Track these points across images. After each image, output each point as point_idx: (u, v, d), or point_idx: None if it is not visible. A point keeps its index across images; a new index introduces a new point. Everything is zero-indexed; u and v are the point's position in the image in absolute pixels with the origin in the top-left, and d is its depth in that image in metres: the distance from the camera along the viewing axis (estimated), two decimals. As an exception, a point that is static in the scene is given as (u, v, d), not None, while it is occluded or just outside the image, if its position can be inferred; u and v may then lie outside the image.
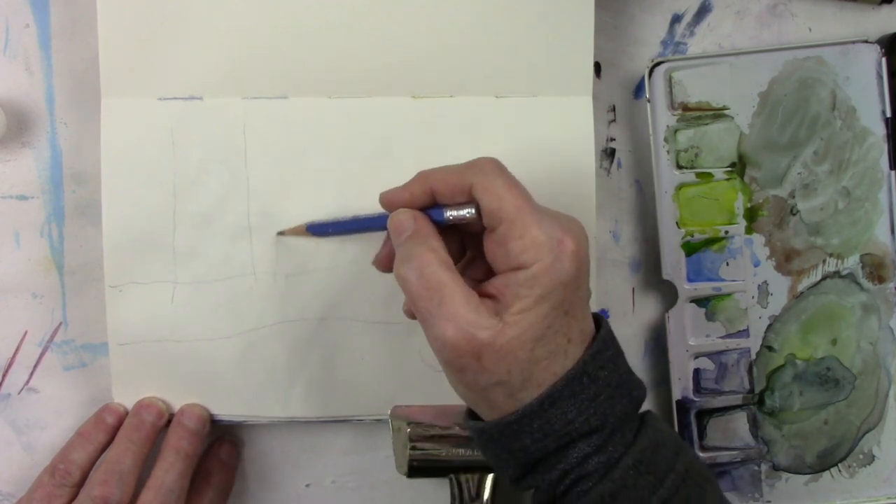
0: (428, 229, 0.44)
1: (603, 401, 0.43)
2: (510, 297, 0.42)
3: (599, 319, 0.45)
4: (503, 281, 0.42)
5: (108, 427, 0.54)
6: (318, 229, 0.52)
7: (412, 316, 0.45)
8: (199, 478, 0.55)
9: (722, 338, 0.58)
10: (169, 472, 0.52)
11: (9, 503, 0.56)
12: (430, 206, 0.45)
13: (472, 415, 0.46)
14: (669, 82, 0.57)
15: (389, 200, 0.46)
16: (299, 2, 0.53)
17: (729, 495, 0.56)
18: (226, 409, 0.55)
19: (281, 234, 0.53)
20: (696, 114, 0.57)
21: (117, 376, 0.54)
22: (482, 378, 0.42)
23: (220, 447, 0.56)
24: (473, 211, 0.44)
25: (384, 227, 0.46)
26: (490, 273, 0.44)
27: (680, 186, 0.57)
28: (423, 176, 0.46)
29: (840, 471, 0.59)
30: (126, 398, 0.54)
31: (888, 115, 0.58)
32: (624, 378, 0.44)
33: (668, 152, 0.57)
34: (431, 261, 0.43)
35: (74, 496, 0.52)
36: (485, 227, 0.44)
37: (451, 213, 0.45)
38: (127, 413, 0.54)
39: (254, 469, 0.58)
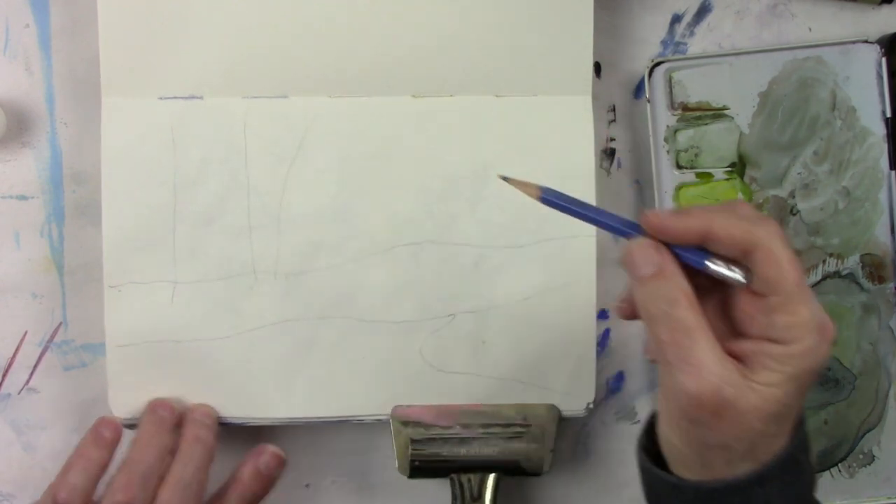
0: (675, 268, 0.41)
1: (801, 485, 0.42)
2: (758, 364, 0.40)
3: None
4: (755, 347, 0.40)
5: (107, 442, 0.51)
6: (551, 199, 0.44)
7: (654, 359, 0.43)
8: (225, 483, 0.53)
9: (722, 338, 0.58)
10: (187, 465, 0.51)
11: (9, 503, 0.56)
12: (689, 245, 0.41)
13: (648, 452, 0.44)
14: (669, 82, 0.57)
15: (657, 225, 0.42)
16: (299, 2, 0.53)
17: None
18: (226, 410, 0.55)
19: (505, 179, 0.45)
20: (696, 114, 0.57)
21: (114, 379, 0.54)
22: (711, 436, 0.40)
23: (260, 456, 0.53)
24: (742, 279, 0.41)
25: (617, 231, 0.43)
26: (724, 326, 0.42)
27: (680, 186, 0.57)
28: (704, 215, 0.41)
29: (840, 471, 0.59)
30: (123, 401, 0.54)
31: (888, 115, 0.58)
32: (811, 462, 0.44)
33: (668, 152, 0.57)
34: (682, 302, 0.40)
35: None
36: (747, 288, 0.42)
37: (715, 268, 0.41)
38: (121, 425, 0.52)
39: (254, 469, 0.58)
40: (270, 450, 0.53)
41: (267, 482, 0.53)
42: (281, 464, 0.53)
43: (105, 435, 0.51)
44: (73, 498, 0.49)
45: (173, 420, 0.53)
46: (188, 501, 0.50)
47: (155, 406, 0.53)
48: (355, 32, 0.54)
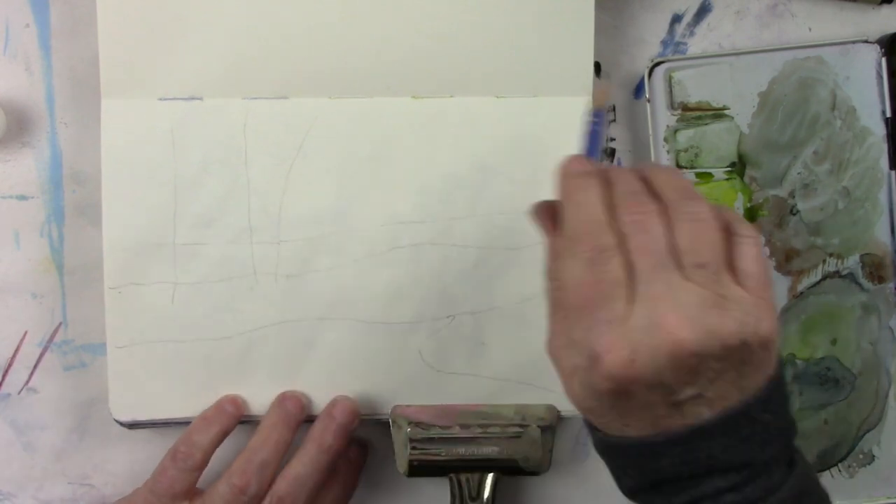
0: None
1: (755, 442, 0.40)
2: None
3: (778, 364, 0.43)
4: None
5: (230, 415, 0.53)
6: (596, 121, 0.47)
7: None
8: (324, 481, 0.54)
9: (722, 338, 0.58)
10: (307, 465, 0.52)
11: (9, 503, 0.56)
12: None
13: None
14: (669, 82, 0.57)
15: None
16: (299, 2, 0.53)
17: (729, 495, 0.56)
18: (226, 409, 0.55)
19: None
20: (696, 114, 0.57)
21: (114, 380, 0.54)
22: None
23: (349, 448, 0.55)
24: None
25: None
26: None
27: (680, 186, 0.57)
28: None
29: (840, 471, 0.59)
30: (124, 402, 0.54)
31: (888, 115, 0.58)
32: (784, 424, 0.42)
33: (668, 152, 0.57)
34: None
35: (196, 480, 0.52)
36: None
37: None
38: (243, 404, 0.54)
39: (254, 469, 0.58)
40: (355, 441, 0.56)
41: (358, 470, 0.56)
42: (366, 452, 0.57)
43: (227, 409, 0.54)
44: (194, 452, 0.52)
45: (300, 415, 0.54)
46: (300, 497, 0.52)
47: (282, 400, 0.54)
48: (355, 33, 0.54)
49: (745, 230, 0.41)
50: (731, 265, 0.40)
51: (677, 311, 0.38)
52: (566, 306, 0.40)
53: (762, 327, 0.39)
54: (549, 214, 0.43)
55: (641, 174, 0.42)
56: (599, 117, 0.46)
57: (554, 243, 0.42)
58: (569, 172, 0.43)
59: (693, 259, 0.39)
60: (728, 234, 0.41)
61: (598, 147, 0.46)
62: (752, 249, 0.40)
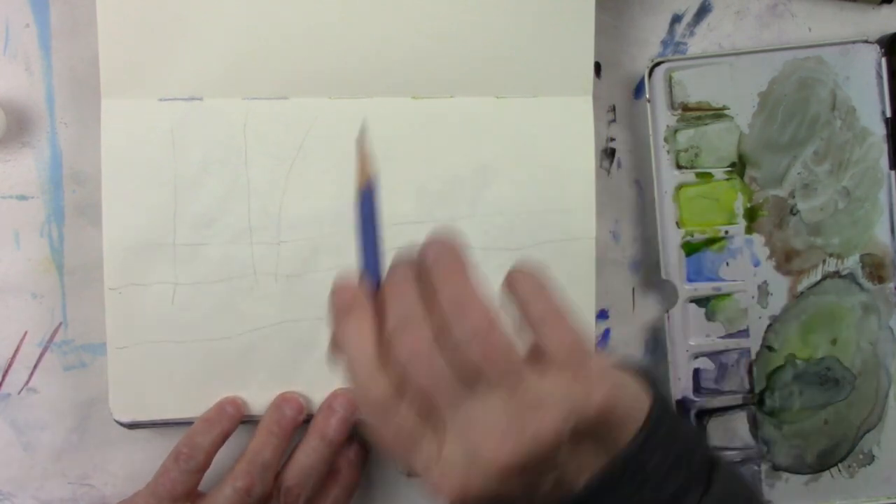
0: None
1: (650, 486, 0.39)
2: None
3: (648, 384, 0.40)
4: None
5: (231, 416, 0.53)
6: (365, 197, 0.42)
7: None
8: (327, 473, 0.55)
9: (722, 338, 0.58)
10: (311, 455, 0.52)
11: (9, 503, 0.56)
12: None
13: None
14: (669, 82, 0.57)
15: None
16: (299, 2, 0.53)
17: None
18: (226, 410, 0.55)
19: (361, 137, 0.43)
20: (696, 114, 0.57)
21: (115, 381, 0.54)
22: None
23: (350, 447, 0.55)
24: None
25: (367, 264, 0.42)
26: None
27: (680, 186, 0.57)
28: None
29: (840, 471, 0.59)
30: (124, 402, 0.54)
31: (888, 115, 0.58)
32: (682, 448, 0.40)
33: (668, 152, 0.57)
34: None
35: (198, 482, 0.52)
36: None
37: None
38: (243, 405, 0.54)
39: (254, 469, 0.58)
40: (355, 440, 0.55)
41: (359, 470, 0.56)
42: (366, 451, 0.56)
43: (228, 410, 0.53)
44: (196, 453, 0.52)
45: (298, 417, 0.54)
46: (307, 488, 0.52)
47: (280, 402, 0.54)
48: (355, 34, 0.54)
49: (542, 310, 0.39)
50: (533, 353, 0.39)
51: (489, 434, 0.36)
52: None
53: (592, 402, 0.37)
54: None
55: (419, 266, 0.40)
56: (369, 194, 0.41)
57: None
58: (342, 308, 0.40)
59: (486, 375, 0.37)
60: (525, 322, 0.39)
61: (374, 232, 0.41)
62: (554, 330, 0.38)
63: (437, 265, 0.39)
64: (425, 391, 0.37)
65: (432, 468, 0.37)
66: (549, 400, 0.37)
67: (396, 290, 0.39)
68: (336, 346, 0.40)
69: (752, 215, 0.58)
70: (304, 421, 0.54)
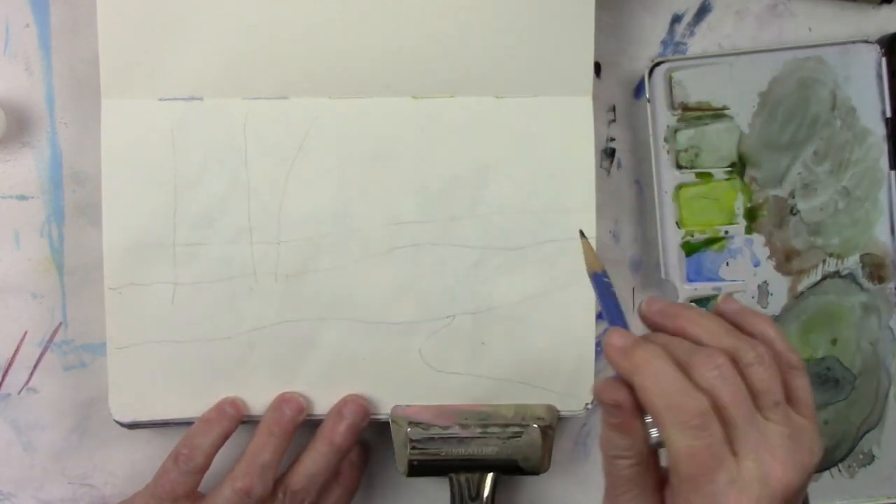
0: (637, 423, 0.43)
1: None
2: None
3: None
4: None
5: (230, 417, 0.53)
6: (600, 278, 0.46)
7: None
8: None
9: (722, 338, 0.58)
10: (318, 461, 0.53)
11: (9, 503, 0.56)
12: None
13: None
14: (669, 82, 0.57)
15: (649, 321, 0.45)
16: (299, 2, 0.53)
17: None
18: (226, 409, 0.55)
19: (582, 236, 0.48)
20: (696, 114, 0.57)
21: (114, 381, 0.54)
22: None
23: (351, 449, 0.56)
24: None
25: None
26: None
27: (680, 186, 0.57)
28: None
29: (840, 471, 0.59)
30: (124, 402, 0.54)
31: (888, 115, 0.58)
32: None
33: (668, 152, 0.57)
34: (629, 459, 0.43)
35: (198, 483, 0.52)
36: None
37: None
38: (243, 405, 0.54)
39: (254, 469, 0.58)
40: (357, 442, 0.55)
41: (360, 471, 0.57)
42: (367, 452, 0.58)
43: (228, 410, 0.54)
44: (195, 454, 0.52)
45: (297, 417, 0.54)
46: (312, 493, 0.53)
47: (280, 402, 0.54)
48: (355, 33, 0.54)
49: (796, 361, 0.43)
50: (787, 395, 0.42)
51: (777, 457, 0.40)
52: (676, 478, 0.40)
53: (820, 452, 0.41)
54: (618, 392, 0.43)
55: (679, 329, 0.43)
56: (599, 277, 0.46)
57: (626, 420, 0.42)
58: (625, 348, 0.42)
59: (769, 400, 0.41)
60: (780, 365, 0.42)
61: (617, 307, 0.45)
62: (803, 380, 0.43)
63: (695, 319, 0.43)
64: (731, 405, 0.40)
65: (733, 490, 0.39)
66: (804, 435, 0.41)
67: (664, 335, 0.43)
68: (608, 389, 0.43)
69: (752, 215, 0.58)
70: (304, 421, 0.54)
